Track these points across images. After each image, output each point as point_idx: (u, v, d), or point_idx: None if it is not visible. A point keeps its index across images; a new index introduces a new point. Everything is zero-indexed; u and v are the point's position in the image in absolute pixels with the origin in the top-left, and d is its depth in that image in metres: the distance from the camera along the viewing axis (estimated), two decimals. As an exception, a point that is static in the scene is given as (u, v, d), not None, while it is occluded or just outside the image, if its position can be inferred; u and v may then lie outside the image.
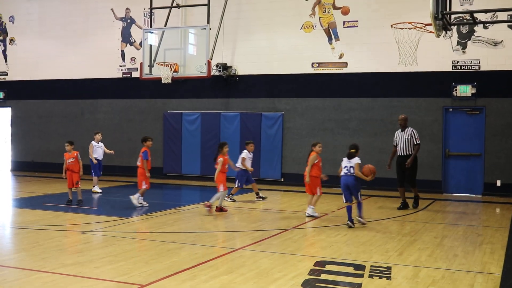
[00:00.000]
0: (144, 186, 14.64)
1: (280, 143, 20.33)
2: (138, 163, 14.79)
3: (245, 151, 16.05)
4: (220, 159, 14.03)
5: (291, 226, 12.28)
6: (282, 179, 20.33)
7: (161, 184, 20.17)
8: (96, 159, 17.43)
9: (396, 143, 14.95)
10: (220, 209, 14.04)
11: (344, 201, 12.49)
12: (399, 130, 15.01)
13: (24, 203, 15.74)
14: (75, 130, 23.78)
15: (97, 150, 17.53)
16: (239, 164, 15.85)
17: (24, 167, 24.80)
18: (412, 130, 14.78)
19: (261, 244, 10.35)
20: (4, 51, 25.47)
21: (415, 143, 14.67)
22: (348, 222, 12.14)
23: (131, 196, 14.70)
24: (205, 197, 16.13)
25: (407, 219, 13.47)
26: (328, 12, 19.92)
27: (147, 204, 14.71)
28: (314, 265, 8.83)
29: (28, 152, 24.91)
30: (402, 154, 14.76)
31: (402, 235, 11.38)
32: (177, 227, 12.23)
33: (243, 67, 21.02)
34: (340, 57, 19.74)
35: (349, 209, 12.26)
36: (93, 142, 17.54)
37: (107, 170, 22.66)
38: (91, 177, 17.67)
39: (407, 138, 14.70)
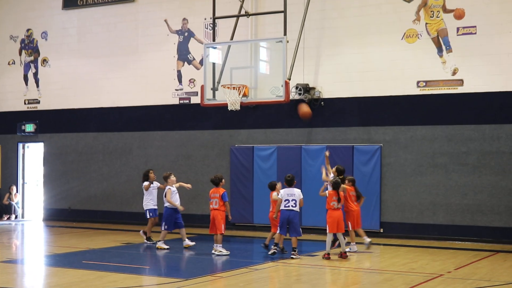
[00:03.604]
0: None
1: (378, 183, 20.08)
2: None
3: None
4: None
5: (395, 290, 12.08)
6: (381, 230, 20.03)
7: (228, 236, 20.16)
8: (175, 208, 17.74)
9: None
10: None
11: None
12: None
13: (60, 260, 16.00)
14: (121, 169, 24.19)
15: (176, 196, 17.82)
16: None
17: (59, 216, 25.30)
18: None
19: (359, 314, 10.18)
20: (35, 74, 26.28)
21: None
22: None
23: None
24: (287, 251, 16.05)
25: (548, 282, 13.00)
26: (437, 17, 19.72)
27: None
28: None
29: (64, 197, 25.44)
30: None
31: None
32: (250, 292, 12.17)
33: (330, 89, 20.97)
34: (454, 73, 19.46)
35: None
36: (169, 186, 17.74)
37: (161, 218, 22.96)
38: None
39: None
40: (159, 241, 17.50)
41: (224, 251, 16.47)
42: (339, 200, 15.75)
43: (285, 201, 15.99)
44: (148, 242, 18.46)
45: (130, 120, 24.19)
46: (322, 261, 15.43)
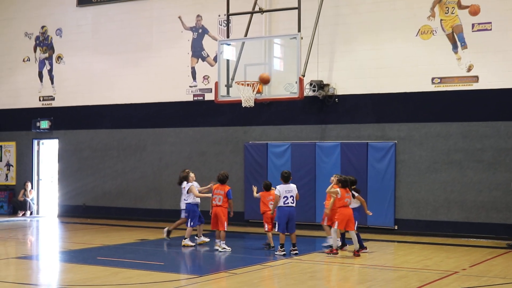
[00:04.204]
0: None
1: (393, 180, 20.04)
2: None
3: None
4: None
5: (409, 287, 12.03)
6: (396, 227, 20.00)
7: (242, 233, 20.21)
8: (198, 204, 17.76)
9: None
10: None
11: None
12: None
13: (75, 256, 16.04)
14: (135, 166, 24.27)
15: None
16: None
17: (74, 212, 25.42)
18: None
19: (373, 311, 10.17)
20: (50, 71, 26.38)
21: None
22: None
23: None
24: (300, 249, 16.08)
25: None
26: (452, 13, 19.64)
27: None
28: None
29: (78, 193, 25.54)
30: None
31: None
32: (264, 288, 12.18)
33: (344, 85, 20.94)
34: (469, 69, 19.39)
35: None
36: (192, 183, 17.67)
37: (174, 216, 23.00)
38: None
39: None
40: (185, 238, 17.43)
41: (227, 248, 16.54)
42: (353, 197, 15.77)
43: (283, 198, 15.94)
44: (168, 238, 18.48)
45: (144, 116, 24.25)
46: (336, 258, 15.41)
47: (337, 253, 15.68)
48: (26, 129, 26.44)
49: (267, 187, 17.04)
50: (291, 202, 15.89)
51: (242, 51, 19.31)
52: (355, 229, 16.02)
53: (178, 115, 23.62)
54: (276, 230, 16.08)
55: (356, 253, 15.62)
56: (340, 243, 16.25)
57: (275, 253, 15.92)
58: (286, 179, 16.11)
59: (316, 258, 15.45)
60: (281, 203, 15.90)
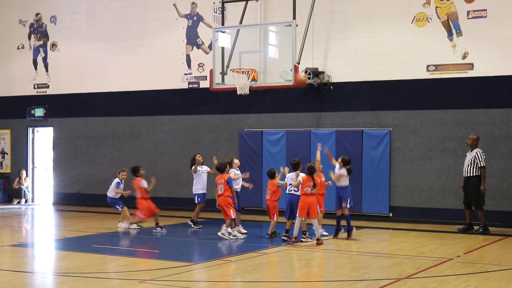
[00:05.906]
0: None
1: (388, 168, 20.07)
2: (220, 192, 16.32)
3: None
4: None
5: (404, 275, 12.06)
6: (391, 214, 20.05)
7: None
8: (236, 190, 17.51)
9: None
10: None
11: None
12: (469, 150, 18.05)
13: (70, 244, 16.07)
14: (130, 154, 24.22)
15: (237, 180, 17.52)
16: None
17: (69, 200, 25.41)
18: (477, 152, 17.67)
19: (367, 298, 10.19)
20: (44, 59, 26.31)
21: (480, 165, 17.56)
22: None
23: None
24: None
25: (558, 266, 12.99)
26: (447, 0, 19.63)
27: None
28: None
29: (73, 181, 25.51)
30: (466, 175, 17.80)
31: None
32: (259, 275, 12.17)
33: (339, 73, 20.92)
34: (464, 56, 19.39)
35: None
36: (232, 169, 17.48)
37: (169, 203, 22.98)
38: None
39: (472, 159, 17.68)
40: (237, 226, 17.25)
41: (239, 235, 16.59)
42: (314, 186, 15.56)
43: (289, 185, 16.14)
44: (195, 227, 18.36)
45: (139, 104, 24.21)
46: (331, 245, 15.45)
47: (295, 242, 15.57)
48: (21, 116, 26.38)
49: (272, 175, 16.93)
50: (294, 190, 15.99)
51: (237, 39, 19.30)
52: (347, 208, 16.17)
53: (173, 103, 23.59)
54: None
55: (319, 242, 15.49)
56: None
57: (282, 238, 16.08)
58: (293, 167, 16.31)
59: (311, 246, 15.45)
60: (286, 190, 16.19)
